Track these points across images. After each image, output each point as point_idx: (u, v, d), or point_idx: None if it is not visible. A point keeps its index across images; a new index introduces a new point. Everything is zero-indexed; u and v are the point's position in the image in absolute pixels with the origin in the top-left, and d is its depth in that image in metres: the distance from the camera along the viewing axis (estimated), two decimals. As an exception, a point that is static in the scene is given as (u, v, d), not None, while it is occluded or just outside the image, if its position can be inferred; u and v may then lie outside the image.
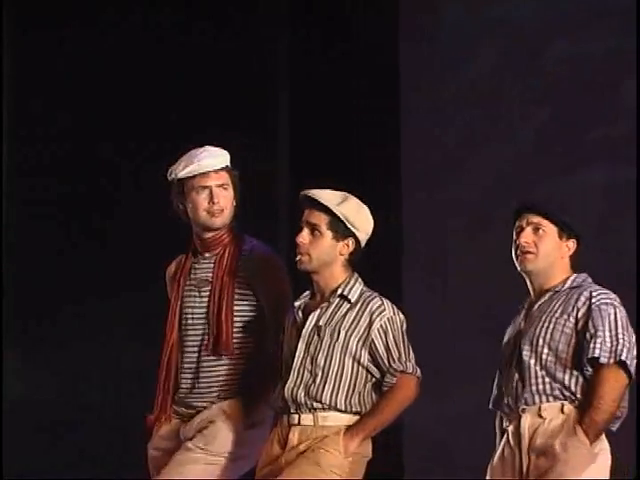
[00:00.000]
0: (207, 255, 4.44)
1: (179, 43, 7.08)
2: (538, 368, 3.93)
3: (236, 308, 4.41)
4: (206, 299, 4.44)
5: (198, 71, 7.03)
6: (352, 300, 4.03)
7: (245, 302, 4.41)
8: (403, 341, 4.02)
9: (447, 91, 6.72)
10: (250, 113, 7.08)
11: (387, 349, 3.97)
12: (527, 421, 3.92)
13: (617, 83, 6.09)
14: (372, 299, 4.05)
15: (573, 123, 6.39)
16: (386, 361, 3.96)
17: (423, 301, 6.15)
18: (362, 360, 3.98)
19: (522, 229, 3.96)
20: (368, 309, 4.03)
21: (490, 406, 4.07)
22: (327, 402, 3.99)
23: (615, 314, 3.87)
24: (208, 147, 4.50)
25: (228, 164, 4.42)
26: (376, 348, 3.95)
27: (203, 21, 7.11)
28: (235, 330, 4.38)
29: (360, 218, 4.08)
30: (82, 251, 6.88)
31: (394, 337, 3.99)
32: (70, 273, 6.82)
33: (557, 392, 3.90)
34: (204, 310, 4.43)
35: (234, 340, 4.39)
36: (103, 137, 7.08)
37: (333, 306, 4.02)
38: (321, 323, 4.02)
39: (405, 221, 6.36)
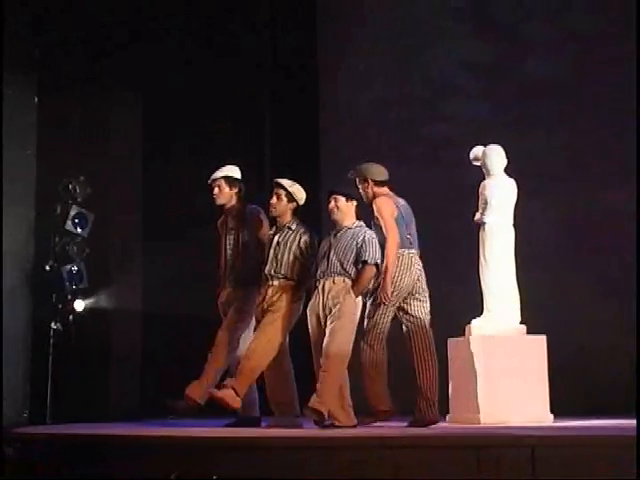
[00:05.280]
0: (230, 218, 6.40)
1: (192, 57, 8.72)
2: (336, 261, 5.95)
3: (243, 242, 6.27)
4: (232, 240, 6.33)
5: (207, 84, 8.76)
6: (293, 228, 6.11)
7: (247, 240, 6.29)
8: (312, 247, 6.11)
9: (354, 110, 9.05)
10: (245, 115, 9.04)
11: (306, 251, 6.10)
12: (326, 284, 5.99)
13: (435, 125, 8.34)
14: (302, 227, 6.11)
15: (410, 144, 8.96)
16: (304, 257, 6.10)
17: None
18: (297, 256, 6.13)
19: (329, 201, 5.96)
20: (300, 232, 6.10)
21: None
22: (284, 274, 6.09)
23: (376, 241, 5.90)
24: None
25: (226, 175, 6.30)
26: (301, 251, 6.10)
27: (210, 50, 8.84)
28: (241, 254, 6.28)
29: (300, 193, 6.18)
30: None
31: (309, 245, 6.10)
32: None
33: (343, 272, 5.95)
34: (232, 246, 6.34)
35: (244, 257, 6.29)
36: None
37: (284, 233, 6.13)
38: (280, 241, 6.13)
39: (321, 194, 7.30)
